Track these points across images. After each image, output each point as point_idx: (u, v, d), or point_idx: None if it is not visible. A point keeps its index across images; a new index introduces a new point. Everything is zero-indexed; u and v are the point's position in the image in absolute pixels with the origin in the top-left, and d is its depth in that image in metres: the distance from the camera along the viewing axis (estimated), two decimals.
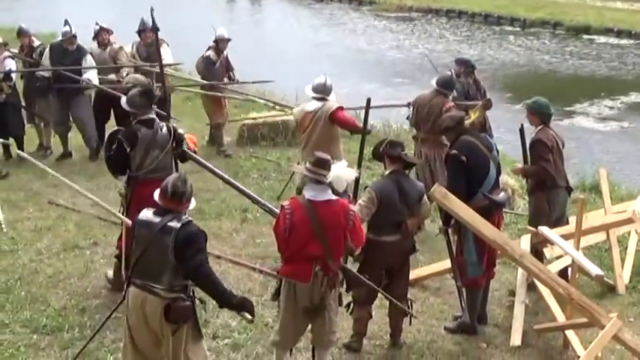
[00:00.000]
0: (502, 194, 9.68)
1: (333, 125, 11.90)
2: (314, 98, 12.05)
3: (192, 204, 7.53)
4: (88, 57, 15.67)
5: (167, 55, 16.12)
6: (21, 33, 16.49)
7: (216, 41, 16.50)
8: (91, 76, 15.61)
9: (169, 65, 16.50)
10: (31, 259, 11.53)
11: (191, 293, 7.47)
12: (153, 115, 9.92)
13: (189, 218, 7.44)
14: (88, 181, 14.78)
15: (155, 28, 13.78)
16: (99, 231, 12.50)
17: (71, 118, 16.10)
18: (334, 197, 8.13)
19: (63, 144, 16.53)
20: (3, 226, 12.58)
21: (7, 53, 15.76)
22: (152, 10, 12.51)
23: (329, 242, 7.98)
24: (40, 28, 20.38)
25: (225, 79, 16.63)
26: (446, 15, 44.23)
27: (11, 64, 15.67)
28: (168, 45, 16.40)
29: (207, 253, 7.48)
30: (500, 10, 43.13)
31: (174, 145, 9.92)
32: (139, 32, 16.61)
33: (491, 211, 9.39)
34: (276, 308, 9.76)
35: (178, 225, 7.26)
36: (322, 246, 7.97)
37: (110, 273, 10.69)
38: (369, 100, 10.67)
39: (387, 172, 9.12)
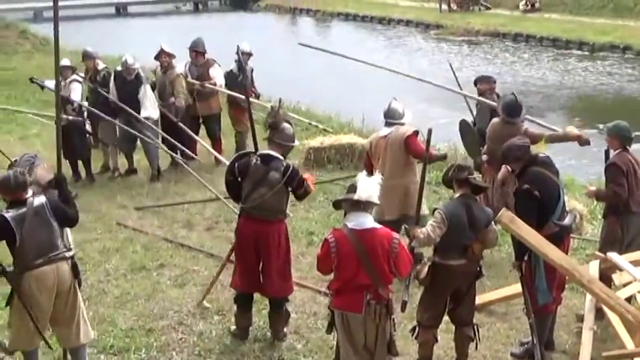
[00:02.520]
0: (568, 217, 9.52)
1: (400, 152, 11.69)
2: (387, 124, 11.92)
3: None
4: (146, 88, 16.02)
5: (218, 74, 16.82)
6: (86, 56, 16.77)
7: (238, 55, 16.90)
8: (150, 113, 15.93)
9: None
10: (98, 280, 11.66)
11: None
12: (273, 153, 9.70)
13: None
14: (154, 203, 14.93)
15: (203, 51, 16.20)
16: (166, 253, 12.60)
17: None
18: (377, 225, 8.10)
19: (128, 161, 16.88)
20: (72, 246, 12.69)
21: (74, 77, 16.02)
22: (238, 48, 12.69)
23: (376, 270, 7.94)
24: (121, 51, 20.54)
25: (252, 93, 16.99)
26: (513, 39, 43.93)
27: (77, 89, 15.95)
28: (219, 65, 16.99)
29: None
30: (568, 34, 42.70)
31: (287, 185, 9.67)
32: (190, 52, 17.04)
33: (561, 237, 9.26)
34: None
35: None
36: (370, 274, 7.93)
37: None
38: (430, 131, 10.41)
39: (456, 195, 9.03)
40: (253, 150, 9.93)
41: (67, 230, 9.06)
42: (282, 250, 9.82)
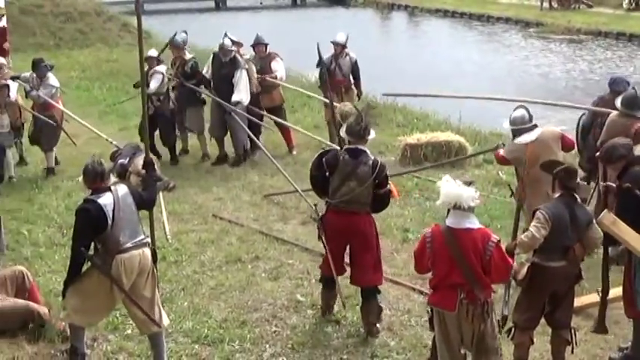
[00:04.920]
0: None
1: (558, 150, 11.39)
2: (524, 130, 11.35)
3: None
4: (242, 72, 16.35)
5: (280, 67, 17.49)
6: (174, 46, 17.19)
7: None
8: (241, 97, 16.32)
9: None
10: (194, 271, 11.76)
11: None
12: (361, 147, 9.82)
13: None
14: (250, 196, 15.00)
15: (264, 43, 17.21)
16: (261, 245, 12.65)
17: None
18: (476, 226, 7.99)
19: (219, 147, 17.25)
20: (169, 237, 12.88)
21: (158, 68, 16.61)
22: (318, 45, 12.72)
23: (472, 270, 7.86)
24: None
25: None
26: (616, 38, 43.08)
27: (156, 79, 16.53)
28: (281, 59, 17.64)
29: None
30: None
31: (375, 182, 9.76)
32: (254, 46, 17.63)
33: None
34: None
35: None
36: (465, 274, 7.86)
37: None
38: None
39: (556, 195, 8.86)
40: (327, 143, 10.02)
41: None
42: (372, 242, 9.96)
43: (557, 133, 11.61)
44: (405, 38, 47.38)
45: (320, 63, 15.06)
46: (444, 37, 45.86)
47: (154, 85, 16.34)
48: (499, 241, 8.02)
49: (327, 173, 9.91)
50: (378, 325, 10.02)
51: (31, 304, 9.57)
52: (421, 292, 10.83)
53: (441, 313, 8.10)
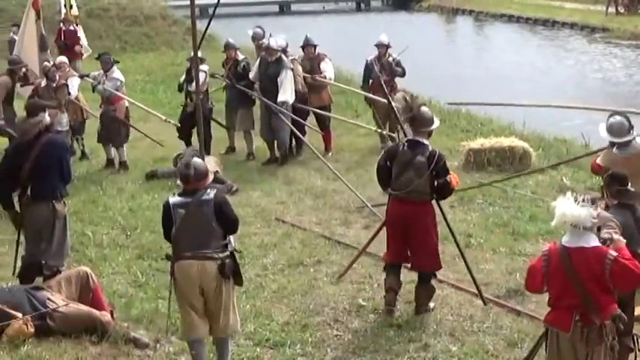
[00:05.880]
0: None
1: None
2: (624, 142, 10.83)
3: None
4: (287, 73, 16.71)
5: (328, 68, 18.00)
6: (227, 47, 17.93)
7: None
8: (287, 97, 16.68)
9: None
10: (256, 274, 11.79)
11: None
12: (420, 139, 10.25)
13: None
14: (313, 200, 15.02)
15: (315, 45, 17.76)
16: (323, 249, 12.65)
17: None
18: (592, 244, 7.54)
19: (269, 149, 17.62)
20: (231, 248, 12.89)
21: (202, 67, 16.70)
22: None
23: (588, 292, 7.53)
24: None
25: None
26: None
27: (201, 78, 16.60)
28: (330, 60, 18.15)
29: None
30: None
31: (434, 173, 10.17)
32: (303, 47, 18.15)
33: None
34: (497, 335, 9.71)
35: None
36: (580, 294, 7.56)
37: None
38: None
39: (615, 202, 8.72)
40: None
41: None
42: (430, 230, 10.46)
43: None
44: (469, 43, 47.23)
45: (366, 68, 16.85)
46: (508, 41, 45.55)
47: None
48: (617, 256, 7.56)
49: (388, 163, 10.47)
50: (430, 304, 10.55)
51: (94, 311, 9.60)
52: (482, 298, 10.78)
53: (555, 332, 7.81)
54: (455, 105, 20.29)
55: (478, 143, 17.28)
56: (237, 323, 9.06)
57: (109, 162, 17.45)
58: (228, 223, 8.84)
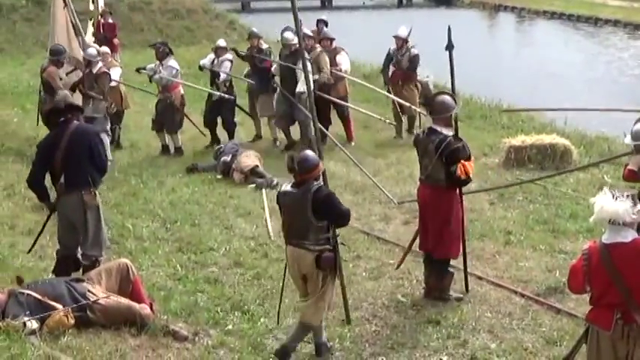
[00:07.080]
0: None
1: None
2: None
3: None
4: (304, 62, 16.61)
5: (345, 60, 18.41)
6: (251, 35, 18.81)
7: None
8: (304, 87, 16.46)
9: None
10: None
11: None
12: (435, 126, 10.50)
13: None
14: (352, 195, 15.00)
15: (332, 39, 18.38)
16: (362, 245, 12.65)
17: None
18: (629, 239, 7.41)
19: (286, 135, 18.24)
20: (272, 234, 12.96)
21: (227, 56, 17.90)
22: (449, 29, 12.25)
23: (629, 289, 7.41)
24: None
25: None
26: None
27: (226, 66, 17.84)
28: (347, 53, 18.61)
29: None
30: None
31: (443, 160, 10.33)
32: (320, 40, 18.48)
33: None
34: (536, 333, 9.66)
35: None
36: (621, 293, 7.43)
37: None
38: None
39: None
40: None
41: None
42: (448, 217, 10.57)
43: None
44: (511, 39, 47.02)
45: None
46: (551, 38, 45.22)
47: (223, 75, 17.79)
48: None
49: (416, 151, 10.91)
50: (452, 294, 10.73)
51: (134, 304, 9.62)
52: (523, 296, 10.74)
53: (596, 330, 7.70)
54: (510, 112, 20.35)
55: (519, 140, 17.18)
56: (315, 317, 9.24)
57: (164, 148, 18.08)
58: (332, 216, 9.07)
